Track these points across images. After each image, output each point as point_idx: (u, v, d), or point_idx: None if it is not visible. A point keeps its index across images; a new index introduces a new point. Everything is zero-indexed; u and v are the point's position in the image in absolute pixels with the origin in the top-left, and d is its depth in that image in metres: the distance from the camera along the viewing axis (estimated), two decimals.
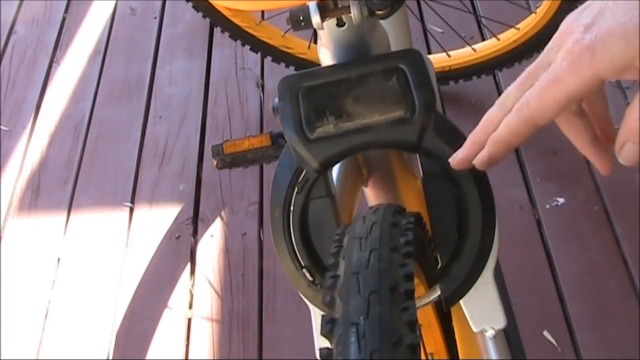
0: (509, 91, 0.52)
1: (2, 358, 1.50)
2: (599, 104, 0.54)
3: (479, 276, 0.63)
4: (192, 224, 1.66)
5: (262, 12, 1.70)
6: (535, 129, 0.49)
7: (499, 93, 0.53)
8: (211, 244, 1.61)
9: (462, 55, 1.67)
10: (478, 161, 0.54)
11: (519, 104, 0.49)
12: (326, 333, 0.48)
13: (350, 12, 0.62)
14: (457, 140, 0.62)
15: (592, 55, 0.45)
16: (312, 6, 0.62)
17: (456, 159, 0.56)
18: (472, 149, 0.54)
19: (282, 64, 1.72)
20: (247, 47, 1.70)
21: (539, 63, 0.50)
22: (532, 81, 0.49)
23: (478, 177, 0.62)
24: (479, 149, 0.53)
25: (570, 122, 0.53)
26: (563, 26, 0.48)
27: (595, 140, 0.53)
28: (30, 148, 1.88)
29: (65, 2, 2.25)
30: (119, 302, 1.55)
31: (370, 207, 0.59)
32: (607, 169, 0.53)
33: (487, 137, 0.52)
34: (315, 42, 1.61)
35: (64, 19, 2.20)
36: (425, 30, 1.87)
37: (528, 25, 1.57)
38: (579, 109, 0.53)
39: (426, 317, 0.83)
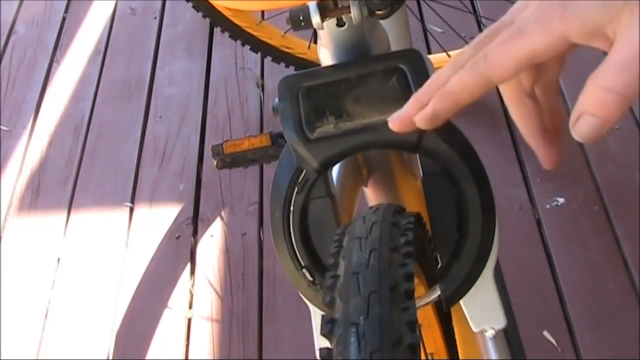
0: (465, 50, 0.47)
1: (2, 358, 1.50)
2: (553, 94, 0.51)
3: (479, 276, 0.63)
4: (192, 224, 1.65)
5: (262, 12, 1.70)
6: (488, 87, 0.45)
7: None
8: (211, 244, 1.61)
9: None
10: (420, 117, 0.48)
11: (475, 57, 0.45)
12: (326, 333, 0.48)
13: (350, 12, 0.62)
14: (457, 140, 0.62)
15: (564, 10, 0.41)
16: (312, 6, 0.62)
17: (395, 118, 0.49)
18: (415, 106, 0.48)
19: (282, 64, 1.71)
20: (247, 47, 1.70)
21: (500, 23, 0.46)
22: (492, 40, 0.45)
23: (478, 177, 0.62)
24: (423, 108, 0.48)
25: (521, 102, 0.50)
26: None
27: (543, 129, 0.50)
28: (30, 148, 1.88)
29: (65, 2, 2.25)
30: (119, 302, 1.55)
31: (370, 207, 0.59)
32: (551, 162, 0.50)
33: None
34: (315, 42, 1.60)
35: (64, 19, 2.20)
36: (425, 30, 1.87)
37: None
38: (531, 91, 0.50)
39: (426, 317, 0.83)
